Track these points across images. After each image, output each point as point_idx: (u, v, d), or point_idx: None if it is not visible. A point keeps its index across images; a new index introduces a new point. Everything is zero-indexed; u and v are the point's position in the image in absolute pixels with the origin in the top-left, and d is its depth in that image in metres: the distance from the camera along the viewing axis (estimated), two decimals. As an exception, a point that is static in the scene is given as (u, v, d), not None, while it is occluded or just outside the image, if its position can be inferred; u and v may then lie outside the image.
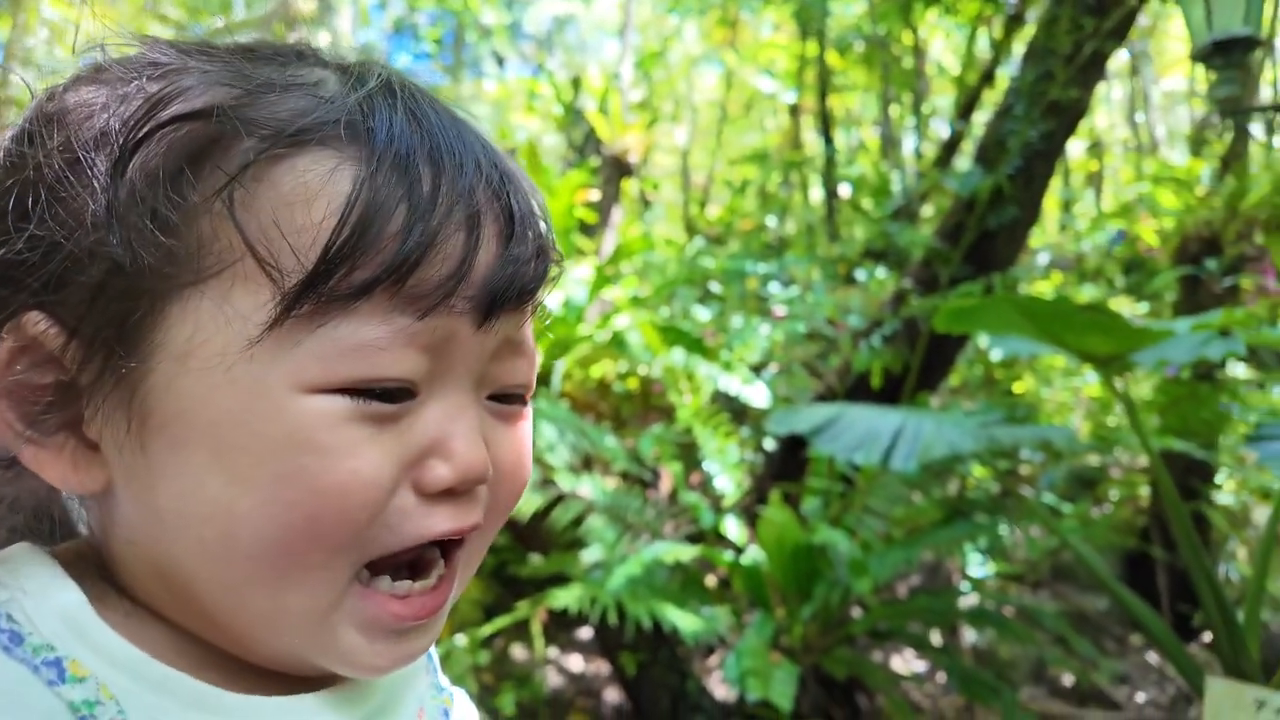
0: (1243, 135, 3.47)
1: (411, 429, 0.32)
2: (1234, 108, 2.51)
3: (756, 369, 4.61)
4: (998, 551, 3.64)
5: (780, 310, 5.24)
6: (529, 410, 0.38)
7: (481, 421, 0.35)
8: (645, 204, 10.88)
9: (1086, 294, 4.37)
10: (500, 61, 11.17)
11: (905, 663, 3.47)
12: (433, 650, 0.45)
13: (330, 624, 0.32)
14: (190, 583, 0.32)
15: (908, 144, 8.52)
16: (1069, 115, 2.82)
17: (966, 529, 2.54)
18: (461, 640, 2.99)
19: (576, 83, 7.41)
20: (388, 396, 0.31)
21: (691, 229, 9.59)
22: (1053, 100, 2.70)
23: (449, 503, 0.33)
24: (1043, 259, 4.84)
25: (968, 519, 2.72)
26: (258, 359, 0.29)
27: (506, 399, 0.36)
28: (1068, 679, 3.43)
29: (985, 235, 2.89)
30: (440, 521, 0.33)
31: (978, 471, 3.80)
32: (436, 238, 0.31)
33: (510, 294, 0.33)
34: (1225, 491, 3.70)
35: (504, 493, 0.36)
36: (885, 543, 2.57)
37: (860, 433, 2.13)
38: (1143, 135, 10.95)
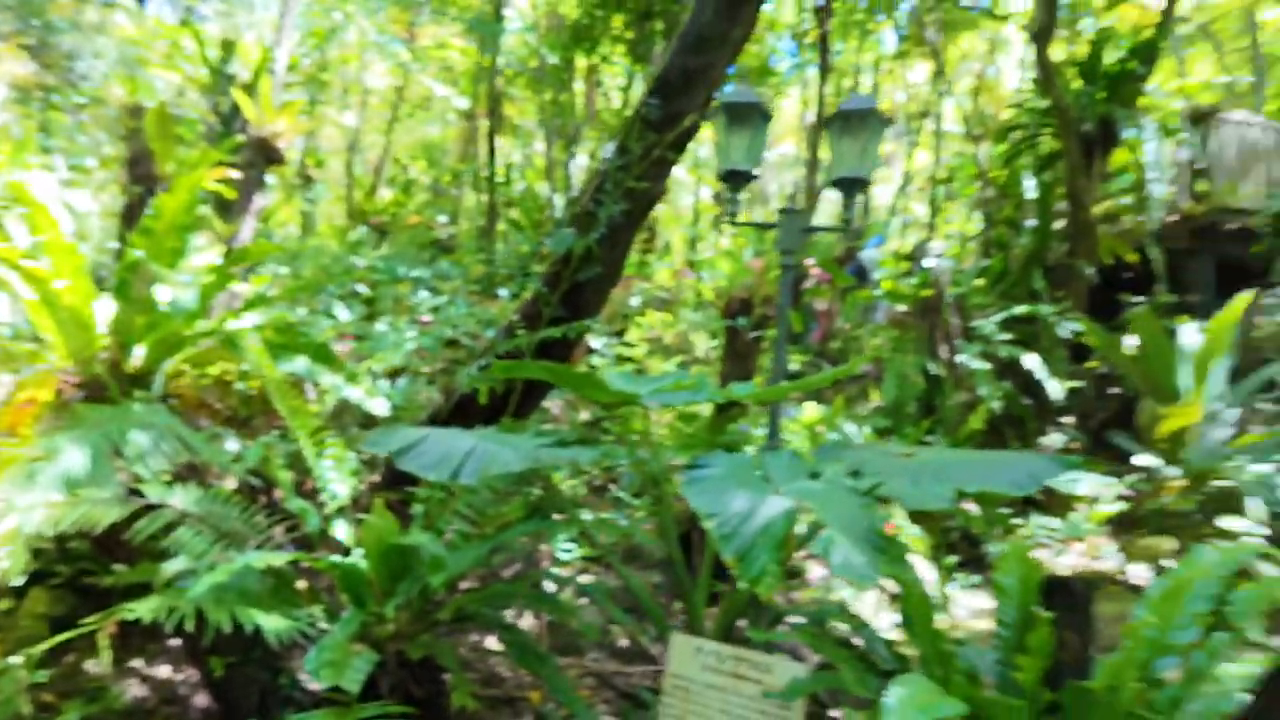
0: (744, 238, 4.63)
1: None
2: (735, 219, 3.45)
3: (396, 374, 4.85)
4: (583, 539, 4.37)
5: (427, 318, 5.53)
6: None
7: None
8: (307, 180, 10.29)
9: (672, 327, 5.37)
10: (137, -7, 9.67)
11: (498, 642, 4.01)
12: None
13: None
14: None
15: (569, 167, 9.33)
16: (644, 199, 3.57)
17: (537, 524, 3.10)
18: (17, 660, 2.79)
19: (229, 46, 6.83)
20: None
21: (356, 216, 9.35)
22: (630, 187, 3.40)
23: None
24: (635, 301, 5.87)
25: (544, 516, 3.31)
26: None
27: None
28: (625, 642, 4.26)
29: (577, 285, 3.52)
30: None
31: (563, 476, 4.51)
32: None
33: None
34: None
35: None
36: (466, 540, 3.03)
37: (439, 453, 2.54)
38: (754, 190, 13.37)
